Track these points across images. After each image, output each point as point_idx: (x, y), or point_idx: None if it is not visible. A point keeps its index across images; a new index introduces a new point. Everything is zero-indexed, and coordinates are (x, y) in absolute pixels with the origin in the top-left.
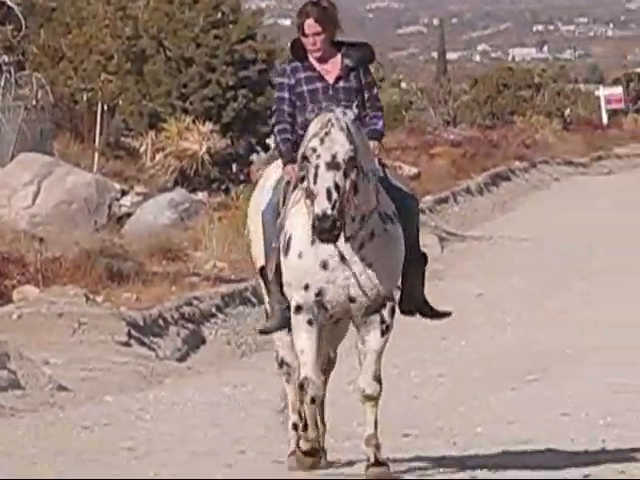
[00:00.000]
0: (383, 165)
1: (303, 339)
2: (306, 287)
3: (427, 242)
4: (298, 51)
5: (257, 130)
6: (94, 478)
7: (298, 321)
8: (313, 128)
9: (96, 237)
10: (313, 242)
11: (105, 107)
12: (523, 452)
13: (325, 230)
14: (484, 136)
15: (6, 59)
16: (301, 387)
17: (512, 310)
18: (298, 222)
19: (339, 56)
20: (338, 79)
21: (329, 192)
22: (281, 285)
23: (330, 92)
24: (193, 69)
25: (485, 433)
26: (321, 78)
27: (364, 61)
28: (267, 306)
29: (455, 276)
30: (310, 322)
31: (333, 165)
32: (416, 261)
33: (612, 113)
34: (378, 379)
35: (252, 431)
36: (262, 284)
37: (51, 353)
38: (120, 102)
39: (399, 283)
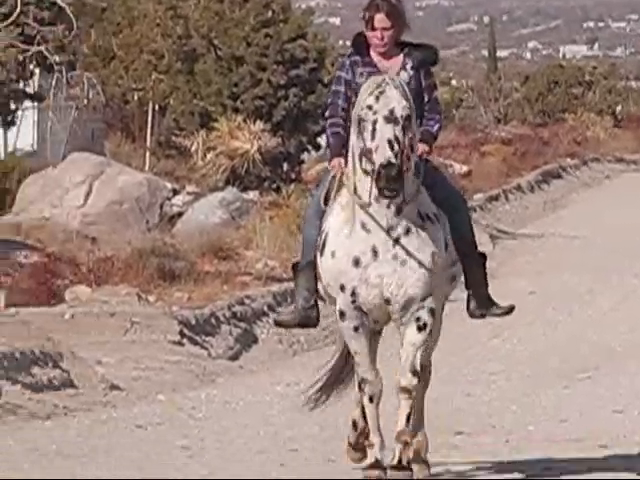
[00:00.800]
0: (433, 168)
1: (353, 344)
2: (342, 288)
3: (479, 238)
4: (360, 46)
5: (308, 129)
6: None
7: (344, 328)
8: (367, 88)
9: (148, 236)
10: (346, 231)
11: (156, 107)
12: (576, 450)
13: (391, 178)
14: (535, 134)
15: (57, 59)
16: (359, 387)
17: (564, 308)
18: (335, 221)
19: (401, 55)
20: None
21: (390, 142)
22: (310, 282)
23: None
24: (244, 68)
25: (537, 431)
26: (380, 74)
27: (426, 63)
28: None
29: (507, 274)
30: (356, 329)
31: (392, 119)
32: (474, 261)
33: None
34: (414, 372)
35: (305, 430)
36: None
37: (103, 352)
38: (171, 101)
39: (441, 282)
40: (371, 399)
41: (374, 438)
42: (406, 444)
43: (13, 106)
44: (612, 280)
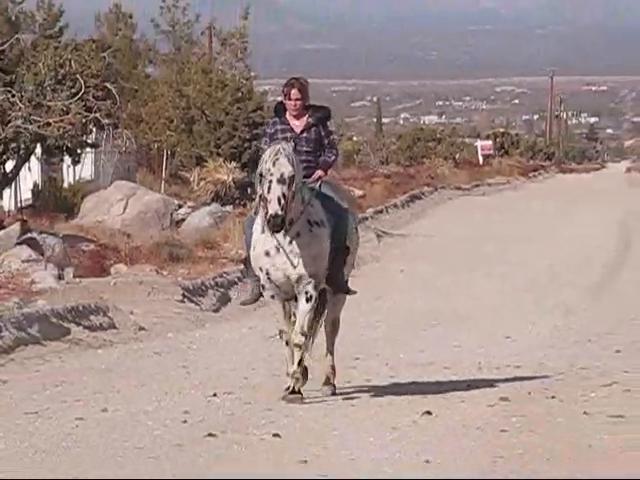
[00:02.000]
0: (335, 187)
1: (272, 307)
2: (260, 269)
3: (369, 237)
4: (279, 110)
5: None
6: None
7: (265, 295)
8: (267, 155)
9: (163, 234)
10: (263, 233)
11: (168, 152)
12: (429, 372)
13: (276, 225)
14: (405, 171)
15: (107, 121)
16: (279, 335)
17: (423, 281)
18: (255, 228)
19: (306, 116)
20: (302, 131)
21: (279, 199)
22: (254, 271)
23: (297, 140)
24: (224, 128)
25: (406, 358)
26: (291, 130)
27: (322, 119)
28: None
29: (386, 259)
30: (272, 297)
31: (282, 180)
32: (341, 252)
33: (485, 157)
34: (303, 333)
35: (260, 356)
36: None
37: (135, 306)
38: (178, 149)
39: (323, 267)
40: (287, 343)
41: (290, 368)
42: (297, 380)
43: (79, 151)
44: (453, 265)
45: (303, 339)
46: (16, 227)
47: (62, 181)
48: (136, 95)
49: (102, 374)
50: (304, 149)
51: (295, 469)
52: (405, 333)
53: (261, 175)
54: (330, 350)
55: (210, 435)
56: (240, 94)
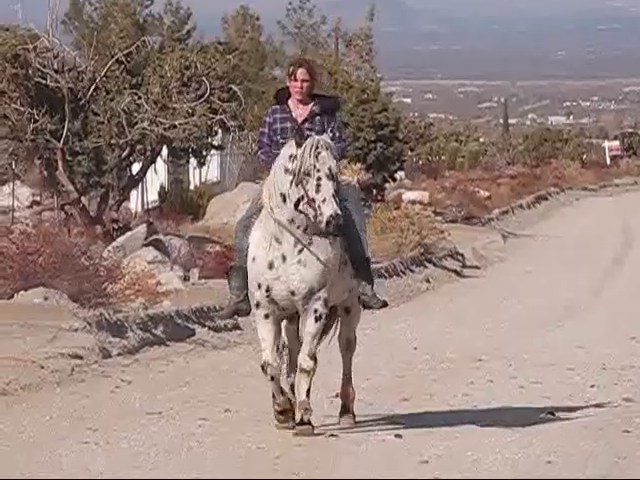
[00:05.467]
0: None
1: (262, 330)
2: (259, 286)
3: (495, 238)
4: (281, 97)
5: (389, 168)
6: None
7: (257, 315)
8: (306, 149)
9: None
10: (265, 242)
11: None
12: (553, 372)
13: (338, 226)
14: (532, 172)
15: (233, 124)
16: (262, 369)
17: (549, 282)
18: (255, 234)
19: (311, 103)
20: (304, 121)
21: (334, 197)
22: (238, 281)
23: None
24: (348, 130)
25: (529, 359)
26: (292, 119)
27: (329, 110)
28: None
29: (513, 260)
30: (266, 316)
31: (331, 176)
32: (361, 264)
33: (613, 157)
34: (312, 356)
35: (382, 357)
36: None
37: None
38: None
39: (329, 280)
40: (272, 378)
41: (278, 399)
42: (306, 410)
43: (204, 153)
44: (580, 264)
45: (312, 364)
46: (142, 229)
47: (188, 183)
48: (262, 97)
49: (226, 375)
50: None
51: (416, 470)
52: (529, 334)
53: (305, 173)
54: (346, 374)
55: (332, 435)
56: (365, 95)
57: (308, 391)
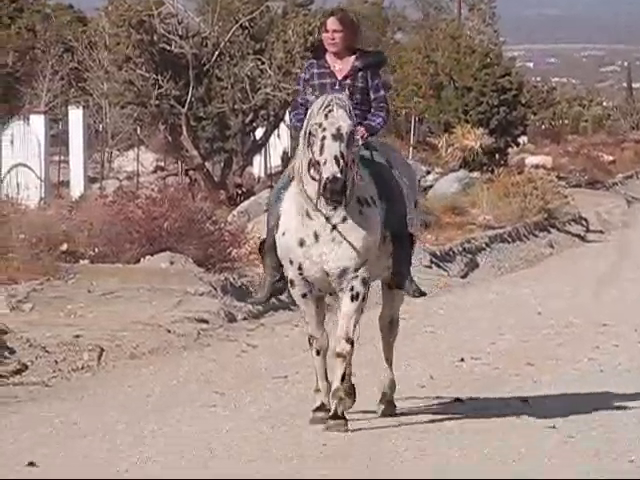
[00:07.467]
0: (376, 148)
1: (303, 307)
2: (291, 262)
3: (619, 202)
4: (317, 50)
5: (512, 133)
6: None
7: (294, 294)
8: (316, 106)
9: None
10: (299, 215)
11: (416, 118)
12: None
13: (335, 192)
14: None
15: None
16: (309, 342)
17: None
18: (286, 206)
19: (352, 58)
20: (345, 77)
21: (336, 158)
22: (273, 260)
23: (336, 87)
24: (472, 94)
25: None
26: (331, 75)
27: (373, 65)
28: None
29: (637, 224)
30: (304, 295)
31: (338, 136)
32: (403, 241)
33: None
34: (348, 339)
35: (508, 322)
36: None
37: None
38: (426, 115)
39: (373, 258)
40: (318, 352)
41: (321, 384)
42: (341, 399)
43: None
44: None
45: (348, 347)
46: (265, 194)
47: None
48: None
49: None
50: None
51: (543, 434)
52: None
53: (309, 134)
54: (387, 357)
55: (457, 400)
56: (488, 59)
57: (343, 377)
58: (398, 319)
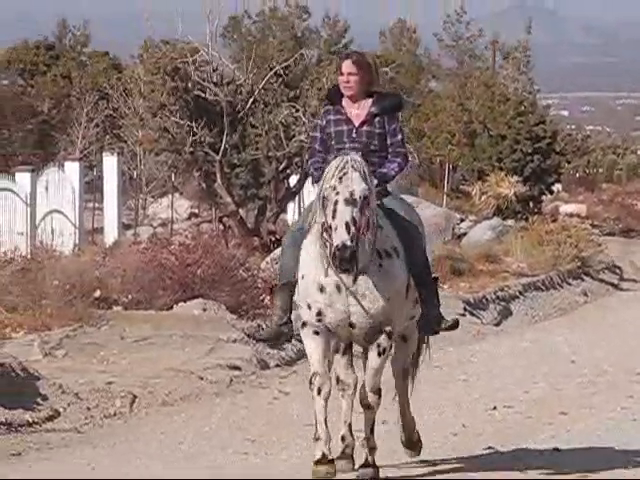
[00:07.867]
0: (405, 204)
1: (310, 345)
2: (309, 306)
3: None
4: (333, 96)
5: (546, 180)
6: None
7: (305, 333)
8: (331, 169)
9: (444, 247)
10: (326, 272)
11: (450, 166)
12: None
13: (344, 260)
14: None
15: None
16: (310, 381)
17: None
18: (308, 250)
19: (369, 102)
20: (363, 123)
21: (347, 225)
22: (283, 302)
23: (354, 135)
24: (506, 142)
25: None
26: (348, 121)
27: (390, 109)
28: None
29: None
30: (316, 332)
31: (351, 201)
32: (426, 285)
33: None
34: (376, 392)
35: (541, 370)
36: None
37: None
38: (460, 163)
39: (398, 310)
40: (319, 392)
41: (321, 431)
42: (372, 449)
43: None
44: None
45: (376, 398)
46: None
47: None
48: (419, 109)
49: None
50: (363, 146)
51: None
52: None
53: (323, 197)
54: (402, 404)
55: (489, 448)
56: (522, 107)
57: (372, 428)
58: (410, 368)
